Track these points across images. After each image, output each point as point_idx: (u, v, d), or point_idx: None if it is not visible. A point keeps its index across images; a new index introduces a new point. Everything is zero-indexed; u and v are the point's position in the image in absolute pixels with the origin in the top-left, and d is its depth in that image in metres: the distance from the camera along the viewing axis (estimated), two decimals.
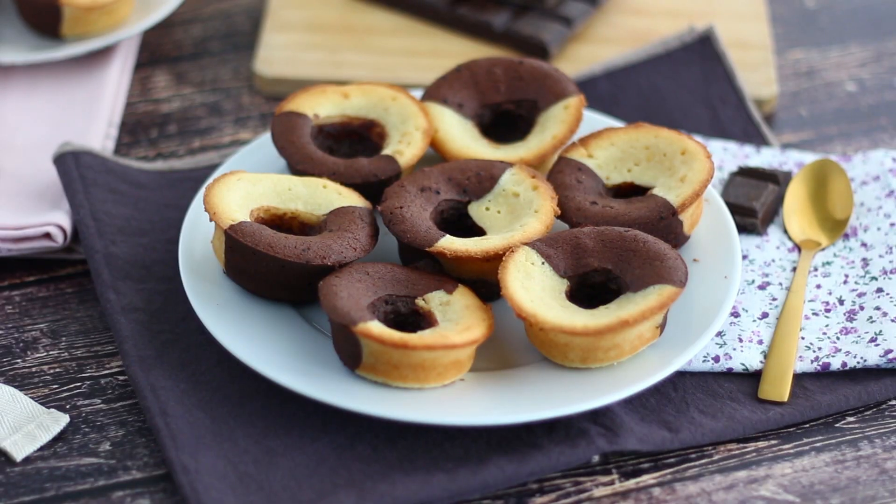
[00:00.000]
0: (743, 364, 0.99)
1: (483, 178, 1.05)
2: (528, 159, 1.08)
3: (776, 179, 1.12)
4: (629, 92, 1.23)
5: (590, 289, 0.99)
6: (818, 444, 0.96)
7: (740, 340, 1.01)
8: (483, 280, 1.01)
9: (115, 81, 1.25)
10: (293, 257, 0.98)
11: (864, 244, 1.09)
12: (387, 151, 1.08)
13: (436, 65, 1.26)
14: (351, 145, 1.12)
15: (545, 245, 0.99)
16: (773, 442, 0.96)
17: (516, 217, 1.03)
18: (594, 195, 1.05)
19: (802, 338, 1.01)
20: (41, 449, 0.96)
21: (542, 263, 0.98)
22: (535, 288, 0.97)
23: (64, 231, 1.09)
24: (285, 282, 1.00)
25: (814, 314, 1.04)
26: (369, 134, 1.11)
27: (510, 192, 1.04)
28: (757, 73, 1.27)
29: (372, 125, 1.11)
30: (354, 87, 1.13)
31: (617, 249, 0.99)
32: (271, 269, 0.99)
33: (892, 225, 1.09)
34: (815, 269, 1.07)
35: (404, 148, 1.08)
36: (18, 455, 0.95)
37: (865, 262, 1.07)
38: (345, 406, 0.93)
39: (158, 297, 1.04)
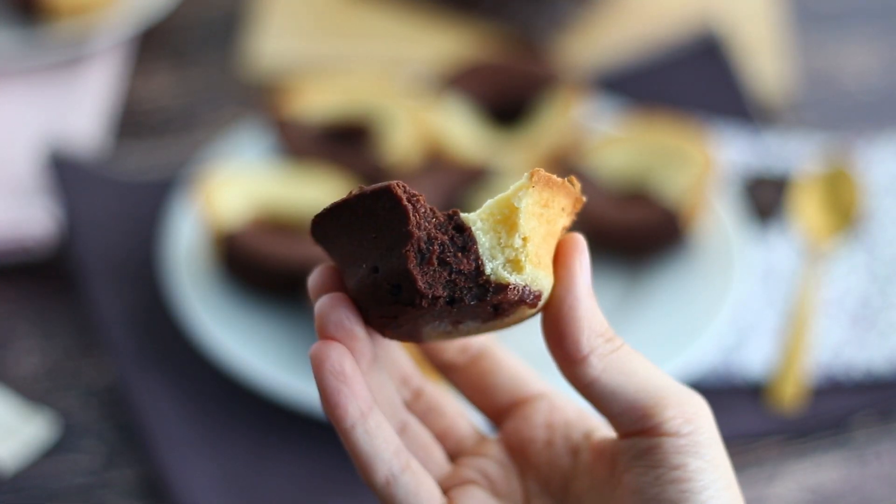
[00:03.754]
0: (748, 369, 0.98)
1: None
2: (528, 157, 1.08)
3: (782, 179, 1.11)
4: (631, 91, 1.23)
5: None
6: (824, 449, 0.95)
7: (745, 344, 1.00)
8: None
9: (109, 80, 1.25)
10: (290, 258, 0.98)
11: (872, 247, 1.07)
12: (386, 149, 1.08)
13: (435, 61, 1.26)
14: (350, 143, 1.12)
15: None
16: (778, 447, 0.95)
17: None
18: (595, 196, 1.04)
19: (809, 341, 1.00)
20: (32, 453, 0.95)
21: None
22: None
23: (55, 232, 1.07)
24: (283, 282, 0.99)
25: (821, 317, 1.02)
26: (368, 132, 1.11)
27: None
28: (761, 71, 1.26)
29: (370, 123, 1.11)
30: (353, 85, 1.13)
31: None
32: (268, 269, 0.99)
33: None
34: (823, 271, 1.06)
35: (403, 145, 1.07)
36: (9, 459, 0.94)
37: (874, 264, 1.06)
38: None
39: (150, 299, 1.03)
